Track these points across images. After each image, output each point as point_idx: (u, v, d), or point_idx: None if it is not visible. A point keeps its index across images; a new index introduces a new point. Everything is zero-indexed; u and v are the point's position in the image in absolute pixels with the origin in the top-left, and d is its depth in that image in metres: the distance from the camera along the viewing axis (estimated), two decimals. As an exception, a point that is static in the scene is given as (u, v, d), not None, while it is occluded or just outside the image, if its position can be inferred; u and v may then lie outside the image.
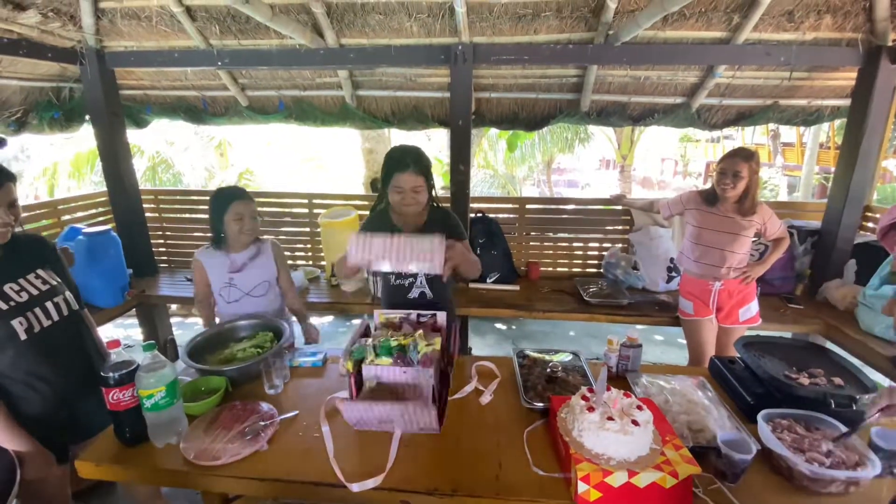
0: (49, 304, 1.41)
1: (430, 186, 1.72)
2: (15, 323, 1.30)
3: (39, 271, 1.45)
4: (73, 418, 1.50)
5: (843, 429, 1.22)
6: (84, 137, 5.53)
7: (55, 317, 1.44)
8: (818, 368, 1.47)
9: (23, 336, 1.32)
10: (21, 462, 1.28)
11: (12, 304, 1.32)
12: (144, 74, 3.29)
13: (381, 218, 1.80)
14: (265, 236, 2.05)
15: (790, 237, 2.90)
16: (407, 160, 1.63)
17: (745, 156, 2.20)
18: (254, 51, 2.78)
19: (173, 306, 4.32)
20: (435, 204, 1.82)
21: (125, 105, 3.33)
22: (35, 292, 1.40)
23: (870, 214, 2.97)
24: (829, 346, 2.05)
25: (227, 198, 1.86)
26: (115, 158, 3.02)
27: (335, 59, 2.71)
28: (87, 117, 3.18)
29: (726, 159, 2.24)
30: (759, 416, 1.25)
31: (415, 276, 1.81)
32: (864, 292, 2.36)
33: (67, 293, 1.48)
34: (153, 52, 2.87)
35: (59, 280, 1.48)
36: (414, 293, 1.82)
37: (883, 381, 1.59)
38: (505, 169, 9.79)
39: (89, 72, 2.86)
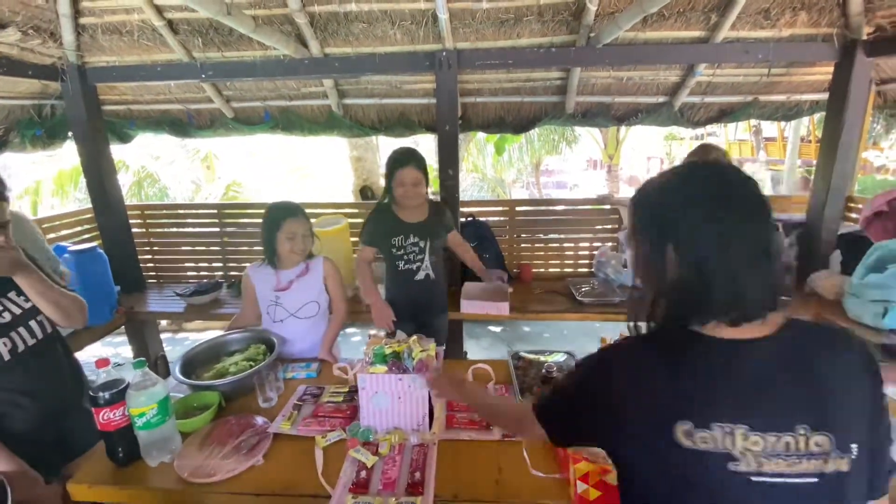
0: (33, 323, 1.39)
1: (428, 182, 2.05)
2: (-1, 344, 1.28)
3: (20, 290, 1.43)
4: (62, 436, 1.47)
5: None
6: (67, 154, 5.46)
7: (39, 335, 1.41)
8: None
9: (6, 357, 1.29)
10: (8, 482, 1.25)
11: None
12: (127, 89, 3.26)
13: (384, 212, 2.11)
14: (320, 255, 1.98)
15: (776, 231, 2.98)
16: (407, 157, 1.97)
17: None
18: (238, 62, 2.77)
19: (163, 322, 4.27)
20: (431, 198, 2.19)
21: (108, 120, 3.30)
22: (18, 311, 1.38)
23: (852, 205, 3.03)
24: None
25: (280, 214, 1.82)
26: (99, 174, 2.99)
27: (320, 69, 2.71)
28: (70, 134, 3.14)
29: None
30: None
31: (422, 259, 2.11)
32: (851, 282, 2.40)
33: None
34: (135, 66, 2.85)
35: None
36: (420, 275, 2.14)
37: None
38: (494, 173, 9.84)
39: (71, 88, 2.82)
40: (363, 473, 1.17)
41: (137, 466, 1.23)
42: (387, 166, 2.04)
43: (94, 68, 2.86)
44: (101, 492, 1.20)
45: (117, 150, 3.75)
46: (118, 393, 1.18)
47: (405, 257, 2.11)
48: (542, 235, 3.47)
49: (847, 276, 2.52)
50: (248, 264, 2.29)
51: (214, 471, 1.18)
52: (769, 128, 13.86)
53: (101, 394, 1.16)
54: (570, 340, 3.95)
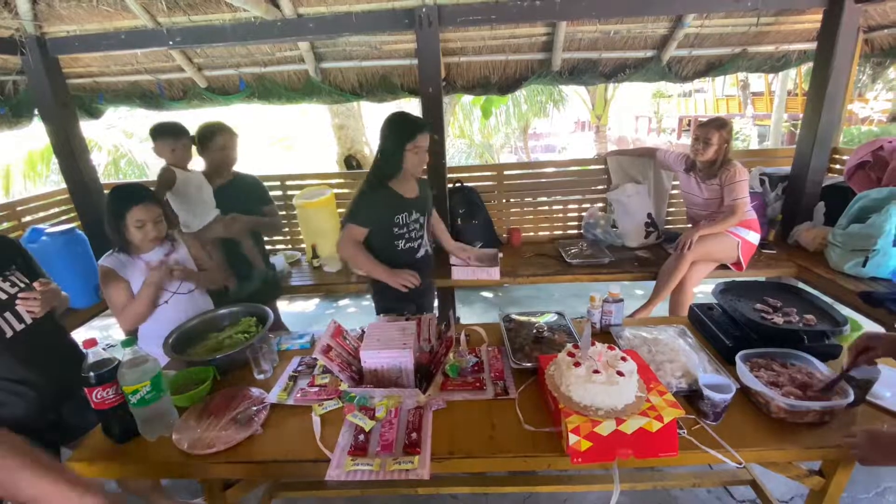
0: (20, 308, 1.36)
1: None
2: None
3: (7, 273, 1.40)
4: (62, 419, 1.47)
5: (817, 362, 1.28)
6: (36, 135, 5.23)
7: (28, 319, 1.39)
8: (791, 307, 1.53)
9: None
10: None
11: None
12: (92, 60, 3.10)
13: (380, 188, 1.86)
14: (173, 230, 1.88)
15: (762, 184, 3.00)
16: (422, 121, 1.82)
17: (718, 125, 2.45)
18: (206, 27, 2.62)
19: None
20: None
21: (75, 95, 3.15)
22: (4, 297, 1.35)
23: (837, 157, 3.04)
24: (802, 286, 2.13)
25: (124, 202, 1.61)
26: (70, 152, 2.86)
27: (294, 31, 2.58)
28: (36, 111, 2.99)
29: (701, 127, 2.49)
30: (737, 357, 1.30)
31: (422, 236, 2.01)
32: (834, 232, 2.44)
33: None
34: (98, 35, 2.68)
35: (28, 282, 1.43)
36: (421, 252, 2.03)
37: (852, 314, 1.66)
38: (481, 138, 9.67)
39: (31, 61, 2.67)
40: (361, 437, 1.19)
41: (136, 442, 1.24)
42: (395, 132, 1.79)
43: (55, 39, 2.70)
44: (102, 468, 1.21)
45: (88, 130, 3.59)
46: (109, 372, 1.17)
47: (407, 235, 1.93)
48: (530, 199, 3.45)
49: (830, 227, 2.56)
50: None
51: (213, 442, 1.20)
52: (756, 82, 13.74)
53: (91, 374, 1.15)
54: (561, 301, 4.01)
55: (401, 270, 1.86)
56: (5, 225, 2.93)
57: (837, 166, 3.02)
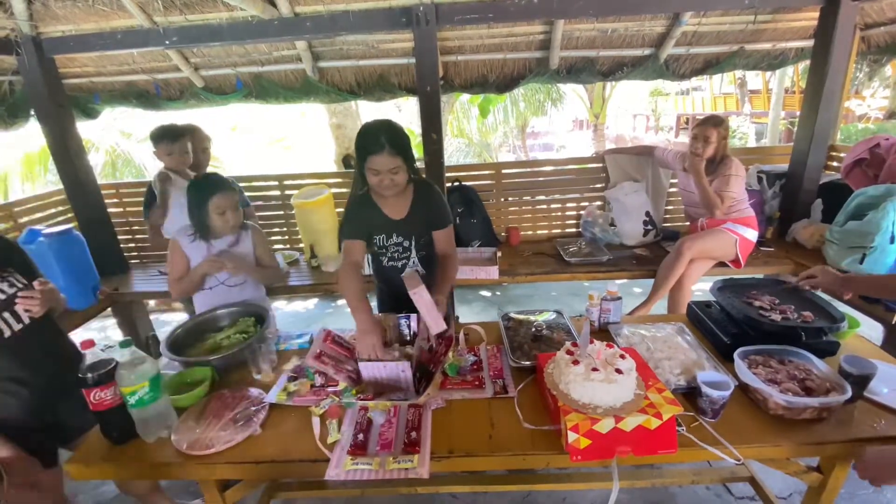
0: (19, 308, 1.36)
1: (410, 164, 1.60)
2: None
3: (5, 274, 1.39)
4: (59, 420, 1.47)
5: (814, 359, 1.29)
6: (33, 136, 5.20)
7: (25, 320, 1.38)
8: (789, 305, 1.53)
9: None
10: (4, 469, 1.25)
11: None
12: (88, 60, 3.08)
13: (364, 203, 1.70)
14: (248, 221, 2.01)
15: (760, 182, 3.01)
16: (381, 139, 1.49)
17: (715, 122, 2.47)
18: (203, 26, 2.61)
19: (151, 302, 4.22)
20: (416, 176, 1.72)
21: (71, 95, 3.13)
22: (2, 297, 1.34)
23: (834, 154, 3.05)
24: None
25: (206, 190, 1.78)
26: (67, 153, 2.85)
27: (291, 30, 2.57)
28: (32, 112, 2.97)
29: (699, 126, 2.50)
30: (736, 355, 1.30)
31: (407, 257, 1.80)
32: (831, 229, 2.45)
33: None
34: (94, 34, 2.67)
35: (26, 282, 1.42)
36: (408, 272, 1.80)
37: (849, 311, 1.67)
38: (479, 137, 9.66)
39: (27, 61, 2.65)
40: (360, 436, 1.19)
41: (135, 443, 1.24)
42: (356, 147, 1.59)
43: (50, 39, 2.68)
44: (100, 470, 1.21)
45: (85, 130, 3.58)
46: (106, 373, 1.17)
47: (388, 255, 1.80)
48: (529, 198, 3.45)
49: (828, 224, 2.57)
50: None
51: (213, 442, 1.19)
52: (754, 80, 13.74)
53: (88, 375, 1.15)
54: (559, 300, 4.01)
55: (370, 335, 1.41)
56: (2, 226, 2.92)
57: (835, 164, 3.03)
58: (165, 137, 2.34)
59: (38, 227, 2.75)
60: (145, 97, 3.27)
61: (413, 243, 1.77)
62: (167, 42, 2.60)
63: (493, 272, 2.59)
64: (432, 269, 1.80)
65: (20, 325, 1.37)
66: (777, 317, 1.47)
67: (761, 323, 1.43)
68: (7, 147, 6.69)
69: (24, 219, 3.01)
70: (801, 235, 2.73)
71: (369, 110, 5.44)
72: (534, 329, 1.61)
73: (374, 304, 1.94)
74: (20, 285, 1.40)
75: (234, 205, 1.84)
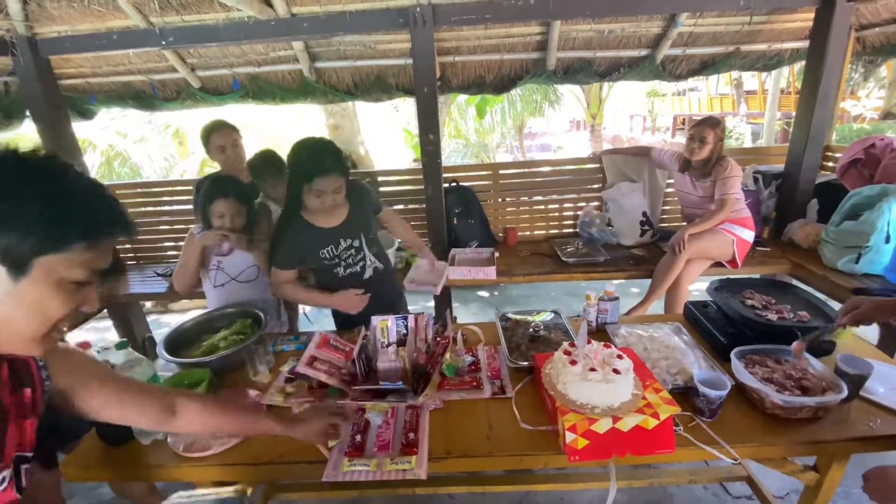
0: None
1: (347, 178, 1.61)
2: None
3: None
4: (56, 422, 1.46)
5: (813, 361, 1.29)
6: (28, 136, 5.17)
7: None
8: (785, 304, 1.54)
9: None
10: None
11: None
12: (84, 61, 3.06)
13: (295, 224, 1.67)
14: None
15: (756, 182, 3.02)
16: (327, 161, 1.51)
17: (711, 123, 2.48)
18: (199, 26, 2.60)
19: (148, 304, 4.20)
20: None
21: (67, 96, 3.12)
22: None
23: (830, 154, 3.06)
24: (796, 283, 2.15)
25: (209, 195, 1.80)
26: (62, 154, 2.83)
27: (287, 30, 2.57)
28: (28, 112, 2.96)
29: (695, 127, 2.52)
30: (732, 354, 1.30)
31: (363, 257, 1.79)
32: (827, 229, 2.46)
33: None
34: (90, 35, 2.66)
35: None
36: (368, 272, 1.82)
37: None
38: (477, 137, 9.67)
39: (22, 62, 2.64)
40: (358, 437, 1.19)
41: (131, 445, 1.23)
42: (293, 167, 1.59)
43: (46, 39, 2.67)
44: (96, 472, 1.20)
45: (81, 129, 3.57)
46: (103, 374, 1.16)
47: (343, 263, 1.76)
48: (526, 198, 3.45)
49: (823, 224, 2.58)
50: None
51: (209, 444, 1.19)
52: (750, 81, 13.80)
53: (85, 376, 1.14)
54: (557, 300, 4.01)
55: (344, 292, 1.71)
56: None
57: (830, 164, 3.04)
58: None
59: None
60: (142, 98, 3.26)
61: (363, 241, 1.78)
62: (163, 42, 2.59)
63: (490, 272, 2.59)
64: (385, 263, 1.91)
65: None
66: (773, 316, 1.47)
67: (758, 323, 1.43)
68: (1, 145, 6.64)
69: (20, 220, 2.99)
70: (797, 235, 2.74)
71: (366, 109, 5.43)
72: (531, 329, 1.61)
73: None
74: None
75: (238, 211, 1.84)
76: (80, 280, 0.65)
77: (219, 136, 2.29)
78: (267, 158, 2.47)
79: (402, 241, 2.17)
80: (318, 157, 1.53)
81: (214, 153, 2.33)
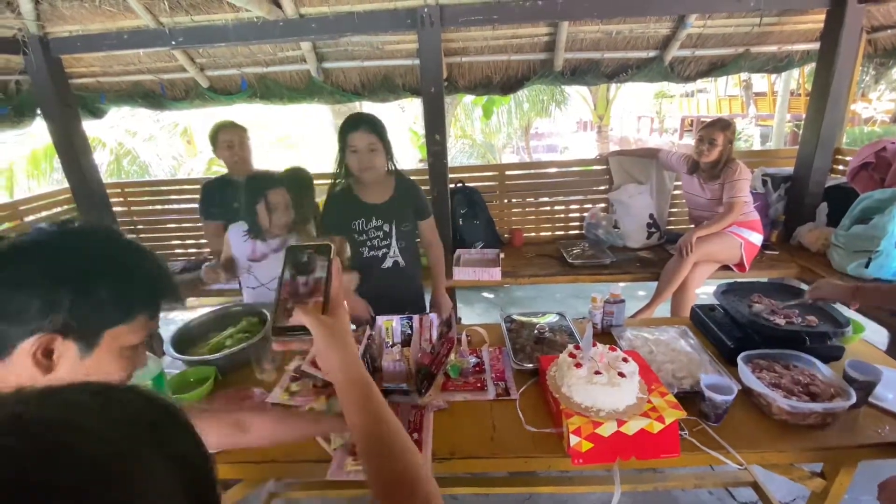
0: None
1: (388, 150, 1.77)
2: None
3: None
4: None
5: (819, 364, 1.28)
6: (39, 134, 5.24)
7: None
8: (793, 309, 1.52)
9: None
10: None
11: None
12: (94, 60, 3.10)
13: (344, 194, 1.84)
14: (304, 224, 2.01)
15: (765, 185, 2.99)
16: (359, 121, 1.71)
17: (722, 125, 2.47)
18: (208, 27, 2.62)
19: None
20: (397, 169, 1.87)
21: (78, 94, 3.15)
22: None
23: (840, 157, 3.03)
24: (804, 287, 2.12)
25: (259, 186, 1.78)
26: (73, 152, 2.87)
27: (296, 31, 2.58)
28: (39, 111, 3.00)
29: (705, 128, 2.50)
30: (739, 359, 1.29)
31: (388, 244, 1.88)
32: (836, 233, 2.43)
33: None
34: (100, 35, 2.69)
35: None
36: (387, 262, 1.89)
37: (854, 316, 1.65)
38: (483, 138, 9.66)
39: (34, 61, 2.67)
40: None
41: (137, 441, 1.24)
42: (339, 136, 1.77)
43: (57, 39, 2.70)
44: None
45: (92, 128, 3.61)
46: (111, 371, 1.17)
47: (368, 243, 1.86)
48: (532, 199, 3.45)
49: (833, 228, 2.55)
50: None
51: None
52: (759, 83, 13.68)
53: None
54: (562, 302, 4.00)
55: (357, 301, 1.74)
56: (6, 225, 2.95)
57: (840, 167, 3.01)
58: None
59: (42, 225, 2.77)
60: (151, 97, 3.29)
61: (393, 228, 1.86)
62: (173, 42, 2.61)
63: (495, 273, 2.59)
64: (411, 263, 1.95)
65: None
66: (781, 321, 1.46)
67: (765, 327, 1.42)
68: (14, 143, 6.75)
69: (30, 217, 3.03)
70: (806, 239, 2.71)
71: (373, 111, 5.45)
72: (536, 331, 1.61)
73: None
74: None
75: (287, 203, 1.82)
76: (137, 344, 0.68)
77: (227, 134, 2.32)
78: (297, 177, 2.40)
79: (426, 257, 2.09)
80: (353, 118, 1.75)
81: (222, 151, 2.35)
